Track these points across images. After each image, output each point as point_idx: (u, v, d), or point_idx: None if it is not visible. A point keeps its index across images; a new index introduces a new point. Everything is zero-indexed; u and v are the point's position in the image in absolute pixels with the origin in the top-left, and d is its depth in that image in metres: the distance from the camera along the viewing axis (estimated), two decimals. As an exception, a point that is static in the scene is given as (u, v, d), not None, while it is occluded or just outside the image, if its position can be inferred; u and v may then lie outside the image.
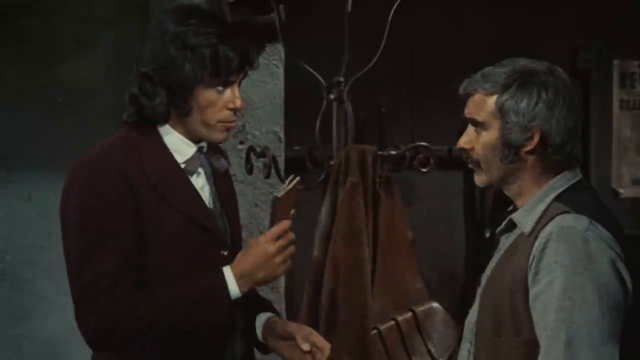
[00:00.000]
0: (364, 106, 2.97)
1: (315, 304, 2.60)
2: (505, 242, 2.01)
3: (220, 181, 2.15)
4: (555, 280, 1.79)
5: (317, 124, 2.72)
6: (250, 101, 2.75)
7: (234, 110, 2.03)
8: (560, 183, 1.93)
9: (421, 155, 2.82)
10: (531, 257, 1.84)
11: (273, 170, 2.67)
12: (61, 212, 1.96)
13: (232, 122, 2.05)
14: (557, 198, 1.91)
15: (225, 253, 2.05)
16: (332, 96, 2.72)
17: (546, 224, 1.86)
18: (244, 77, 2.06)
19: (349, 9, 2.63)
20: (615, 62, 3.50)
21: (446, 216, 3.38)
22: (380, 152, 2.71)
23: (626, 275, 1.81)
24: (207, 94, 1.99)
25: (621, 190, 3.53)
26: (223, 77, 1.98)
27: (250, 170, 2.66)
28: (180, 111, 2.00)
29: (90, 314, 1.88)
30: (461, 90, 2.00)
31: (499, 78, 1.93)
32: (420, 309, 2.70)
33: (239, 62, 1.99)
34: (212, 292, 1.93)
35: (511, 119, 1.90)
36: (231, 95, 2.02)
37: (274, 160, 2.67)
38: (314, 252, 2.64)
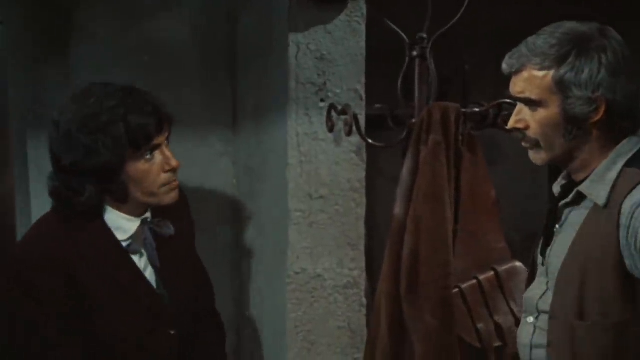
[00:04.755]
0: (447, 63, 2.92)
1: (397, 263, 2.59)
2: (572, 217, 1.91)
3: (167, 248, 2.09)
4: None
5: (399, 81, 2.70)
6: (331, 59, 2.74)
7: (173, 170, 1.98)
8: (627, 148, 1.84)
9: (505, 113, 2.76)
10: (622, 229, 1.76)
11: (354, 128, 2.67)
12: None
13: (175, 181, 2.00)
14: (627, 164, 1.82)
15: (172, 332, 2.06)
16: (414, 53, 2.68)
17: (626, 194, 1.77)
18: (169, 135, 2.00)
19: (433, -37, 2.58)
20: None
21: (530, 176, 3.31)
22: (463, 110, 2.67)
23: None
24: (138, 167, 1.92)
25: None
26: (144, 146, 1.92)
27: (331, 129, 2.66)
28: (115, 196, 1.94)
29: None
30: (506, 68, 1.88)
31: (550, 50, 1.80)
32: (502, 268, 2.66)
33: (155, 124, 1.92)
34: None
35: (573, 93, 1.80)
36: (163, 158, 1.96)
37: (355, 118, 2.66)
38: (395, 210, 2.63)
